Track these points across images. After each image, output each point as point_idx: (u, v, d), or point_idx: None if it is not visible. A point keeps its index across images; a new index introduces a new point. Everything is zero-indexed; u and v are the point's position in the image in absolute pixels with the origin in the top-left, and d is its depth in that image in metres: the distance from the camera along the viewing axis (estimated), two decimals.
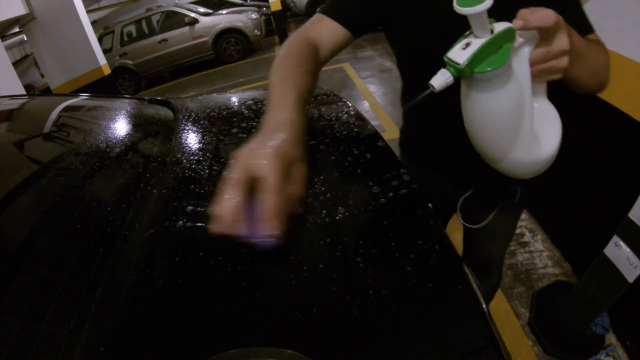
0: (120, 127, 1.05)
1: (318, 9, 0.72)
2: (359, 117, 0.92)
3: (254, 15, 7.35)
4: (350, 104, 1.00)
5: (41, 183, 0.76)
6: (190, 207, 0.67)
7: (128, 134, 1.02)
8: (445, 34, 0.52)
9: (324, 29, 0.69)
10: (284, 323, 0.46)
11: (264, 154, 0.43)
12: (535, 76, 0.47)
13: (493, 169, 0.62)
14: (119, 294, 0.52)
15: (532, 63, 0.46)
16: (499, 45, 0.43)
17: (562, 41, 0.44)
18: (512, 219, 0.97)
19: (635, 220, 1.01)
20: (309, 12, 8.90)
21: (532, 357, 1.37)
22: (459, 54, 0.45)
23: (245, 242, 0.44)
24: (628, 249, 1.04)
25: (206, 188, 0.71)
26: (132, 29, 7.26)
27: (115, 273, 0.56)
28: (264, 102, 1.10)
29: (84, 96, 1.46)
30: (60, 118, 1.06)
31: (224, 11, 7.40)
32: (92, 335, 0.47)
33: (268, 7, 7.90)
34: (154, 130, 1.05)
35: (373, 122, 1.44)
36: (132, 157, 0.89)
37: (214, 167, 0.78)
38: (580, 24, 0.60)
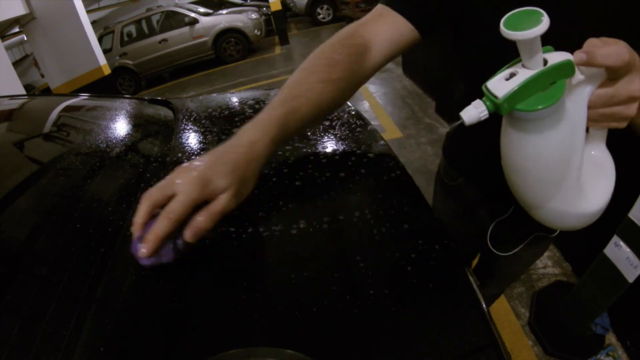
0: (120, 127, 1.05)
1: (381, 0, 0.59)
2: (359, 117, 0.92)
3: (254, 15, 7.35)
4: (350, 104, 1.00)
5: (41, 183, 0.76)
6: None
7: (128, 134, 1.02)
8: None
9: (384, 25, 0.56)
10: (284, 323, 0.46)
11: (185, 175, 0.43)
12: (593, 121, 0.40)
13: None
14: (119, 294, 0.52)
15: (591, 106, 0.38)
16: (551, 81, 0.35)
17: (633, 85, 0.36)
18: (541, 250, 0.89)
19: (635, 220, 1.01)
20: (309, 12, 8.90)
21: (532, 357, 1.37)
22: (500, 85, 0.37)
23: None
24: (628, 249, 1.04)
25: None
26: (132, 29, 7.27)
27: (115, 273, 0.56)
28: (264, 102, 1.10)
29: (84, 96, 1.46)
30: (60, 118, 1.06)
31: (224, 11, 7.40)
32: (92, 335, 0.47)
33: (268, 7, 7.90)
34: (154, 130, 1.05)
35: (373, 122, 1.44)
36: (132, 157, 0.89)
37: None
38: None
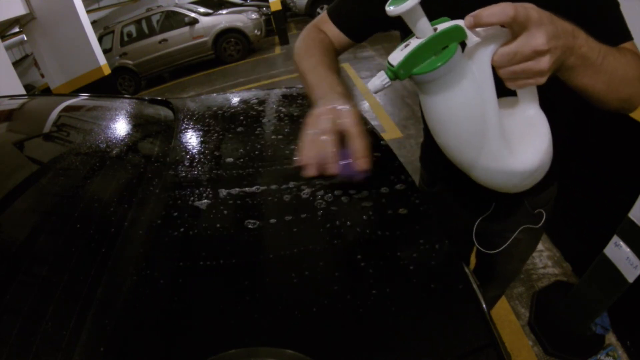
0: (121, 127, 1.05)
1: (326, 8, 0.74)
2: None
3: (254, 15, 7.35)
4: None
5: (41, 183, 0.76)
6: (190, 207, 0.67)
7: (128, 134, 1.02)
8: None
9: (328, 31, 0.71)
10: (284, 323, 0.46)
11: (346, 112, 0.53)
12: (509, 79, 0.42)
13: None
14: (119, 294, 0.52)
15: (498, 65, 0.40)
16: (442, 46, 0.38)
17: (535, 40, 0.37)
18: (533, 242, 0.90)
19: (635, 220, 1.01)
20: (309, 12, 8.90)
21: (532, 357, 1.37)
22: (397, 55, 0.42)
23: (339, 179, 0.55)
24: (628, 249, 1.04)
25: (207, 188, 0.71)
26: (132, 29, 7.26)
27: (115, 273, 0.56)
28: (264, 102, 1.10)
29: (84, 96, 1.46)
30: (60, 118, 1.06)
31: (224, 11, 7.40)
32: (92, 335, 0.47)
33: (268, 7, 7.89)
34: (154, 131, 1.05)
35: (373, 122, 1.44)
36: (132, 157, 0.89)
37: (214, 167, 0.78)
38: (610, 30, 0.52)
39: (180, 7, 7.36)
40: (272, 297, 0.50)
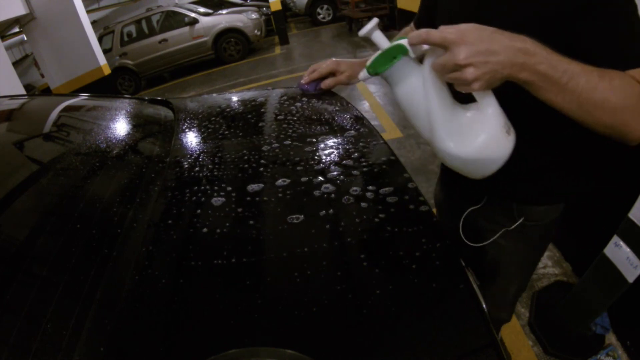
0: (121, 127, 1.05)
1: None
2: (359, 117, 0.92)
3: (254, 15, 7.35)
4: (350, 104, 1.00)
5: (41, 183, 0.76)
6: (190, 207, 0.67)
7: (128, 134, 1.02)
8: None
9: None
10: (285, 323, 0.46)
11: (330, 60, 1.00)
12: (452, 83, 0.51)
13: (502, 187, 0.71)
14: (119, 294, 0.52)
15: (437, 71, 0.51)
16: (393, 55, 0.53)
17: (454, 56, 0.47)
18: (520, 257, 0.85)
19: (635, 220, 1.01)
20: (309, 12, 8.90)
21: (532, 357, 1.37)
22: (370, 59, 0.59)
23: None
24: (628, 249, 1.04)
25: (207, 187, 0.71)
26: (132, 29, 7.26)
27: (115, 273, 0.56)
28: (264, 102, 1.10)
29: (84, 96, 1.46)
30: (60, 118, 1.06)
31: (224, 11, 7.40)
32: (92, 335, 0.47)
33: (268, 7, 7.90)
34: (154, 131, 1.05)
35: (373, 122, 1.44)
36: (133, 157, 0.89)
37: (214, 167, 0.78)
38: (617, 55, 0.51)
39: (180, 7, 7.36)
40: (272, 297, 0.50)
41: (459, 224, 0.84)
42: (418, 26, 0.86)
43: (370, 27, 0.55)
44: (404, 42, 0.54)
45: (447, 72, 0.50)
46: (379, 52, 0.56)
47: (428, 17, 0.80)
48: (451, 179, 0.86)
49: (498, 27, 0.49)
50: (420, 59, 0.55)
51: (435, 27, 0.71)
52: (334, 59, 0.99)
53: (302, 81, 1.05)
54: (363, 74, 0.58)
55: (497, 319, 1.05)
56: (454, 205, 0.87)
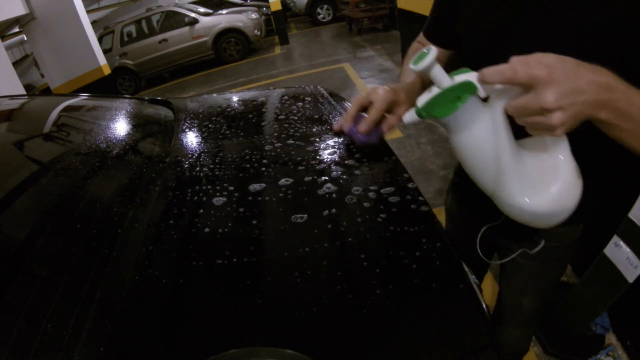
0: (121, 127, 1.05)
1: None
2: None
3: (254, 15, 7.35)
4: (350, 104, 1.00)
5: (41, 183, 0.76)
6: (191, 207, 0.67)
7: (128, 134, 1.02)
8: (507, 31, 0.54)
9: (426, 43, 0.78)
10: (285, 323, 0.46)
11: (382, 89, 0.68)
12: (527, 128, 0.44)
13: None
14: (119, 294, 0.52)
15: (511, 115, 0.43)
16: (457, 95, 0.44)
17: (542, 98, 0.39)
18: (537, 279, 0.83)
19: (635, 220, 1.01)
20: (309, 12, 8.90)
21: (532, 357, 1.37)
22: (423, 98, 0.49)
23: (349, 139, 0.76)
24: (628, 249, 1.04)
25: (207, 187, 0.71)
26: (132, 29, 7.26)
27: (116, 273, 0.56)
28: (264, 102, 1.10)
29: (84, 96, 1.46)
30: (60, 118, 1.06)
31: (224, 11, 7.40)
32: (92, 335, 0.47)
33: (268, 7, 7.90)
34: (154, 131, 1.05)
35: None
36: (133, 157, 0.89)
37: (214, 167, 0.78)
38: None
39: (180, 7, 7.36)
40: (272, 297, 0.50)
41: (475, 239, 0.80)
42: (431, 37, 0.77)
43: (430, 61, 0.44)
44: (471, 78, 0.43)
45: (527, 116, 0.41)
46: (436, 90, 0.46)
47: (443, 25, 0.73)
48: (467, 193, 0.81)
49: (541, 34, 0.44)
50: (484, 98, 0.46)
51: (453, 37, 0.70)
52: (385, 86, 0.70)
53: (357, 128, 0.70)
54: (411, 116, 0.49)
55: (515, 350, 0.98)
56: (469, 220, 0.84)
